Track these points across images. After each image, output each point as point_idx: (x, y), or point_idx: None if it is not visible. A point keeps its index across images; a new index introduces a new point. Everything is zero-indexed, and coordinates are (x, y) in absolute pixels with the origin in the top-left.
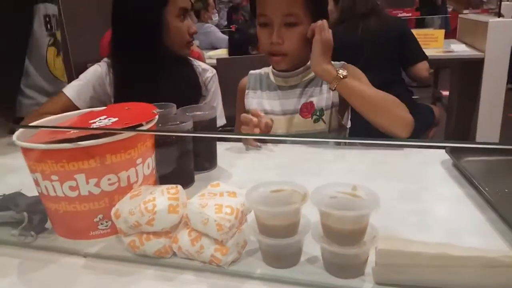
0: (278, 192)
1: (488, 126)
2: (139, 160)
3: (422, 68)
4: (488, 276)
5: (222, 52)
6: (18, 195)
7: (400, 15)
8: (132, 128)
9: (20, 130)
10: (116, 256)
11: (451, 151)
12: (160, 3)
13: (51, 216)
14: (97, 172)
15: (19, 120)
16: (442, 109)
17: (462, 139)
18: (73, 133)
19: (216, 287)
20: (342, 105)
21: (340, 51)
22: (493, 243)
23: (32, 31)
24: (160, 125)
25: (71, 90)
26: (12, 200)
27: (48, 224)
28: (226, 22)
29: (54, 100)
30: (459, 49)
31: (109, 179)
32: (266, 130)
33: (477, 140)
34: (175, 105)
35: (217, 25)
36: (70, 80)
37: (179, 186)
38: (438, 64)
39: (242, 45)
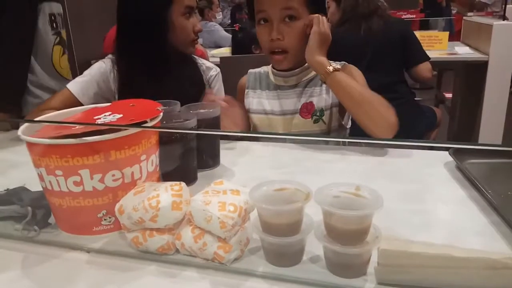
0: (281, 191)
1: (491, 129)
2: (143, 157)
3: (424, 69)
4: (490, 277)
5: (226, 51)
6: (22, 189)
7: (404, 16)
8: (137, 125)
9: (25, 124)
10: (119, 252)
11: (454, 153)
12: (166, 1)
13: (54, 211)
14: (101, 168)
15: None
16: (444, 111)
17: (465, 141)
18: (78, 128)
19: (218, 284)
20: (342, 105)
21: (343, 52)
22: (496, 245)
23: (38, 30)
24: (164, 122)
25: (75, 86)
26: (16, 195)
27: (52, 219)
28: (229, 21)
29: (58, 95)
30: (463, 51)
31: (113, 175)
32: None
33: (480, 142)
34: (179, 103)
35: (220, 24)
36: (74, 77)
37: (183, 183)
38: (442, 66)
39: (245, 44)
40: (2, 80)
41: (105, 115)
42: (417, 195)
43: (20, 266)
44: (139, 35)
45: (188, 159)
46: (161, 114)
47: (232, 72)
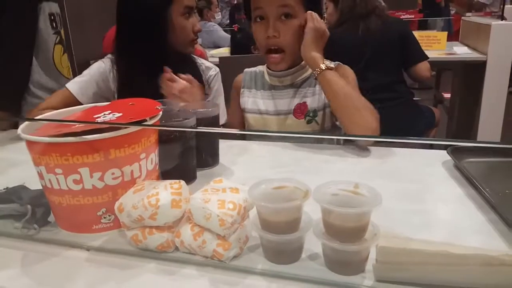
0: (280, 189)
1: (489, 129)
2: (142, 155)
3: (423, 68)
4: (488, 274)
5: (225, 51)
6: (22, 188)
7: (403, 17)
8: (137, 123)
9: (25, 123)
10: (118, 249)
11: (452, 152)
12: (165, 1)
13: (54, 210)
14: (101, 166)
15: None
16: (442, 111)
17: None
18: (77, 127)
19: (217, 282)
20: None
21: (342, 52)
22: (493, 243)
23: (39, 30)
24: (163, 121)
25: (74, 85)
26: (16, 193)
27: (51, 218)
28: (228, 21)
29: (57, 95)
30: (461, 51)
31: (113, 173)
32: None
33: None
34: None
35: (219, 24)
36: (74, 77)
37: (182, 181)
38: (440, 66)
39: (244, 44)
40: (3, 80)
41: (104, 114)
42: (415, 194)
43: (20, 264)
44: (139, 35)
45: (187, 158)
46: (161, 113)
47: (231, 72)
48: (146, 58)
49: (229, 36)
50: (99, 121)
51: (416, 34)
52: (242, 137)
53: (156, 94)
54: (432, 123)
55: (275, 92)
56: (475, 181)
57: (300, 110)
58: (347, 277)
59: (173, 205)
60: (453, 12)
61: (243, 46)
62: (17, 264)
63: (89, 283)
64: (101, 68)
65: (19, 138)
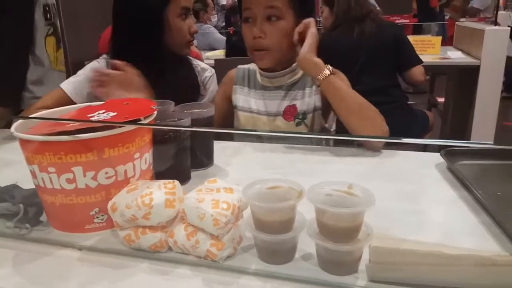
0: (274, 189)
1: (482, 133)
2: (136, 155)
3: (417, 72)
4: (481, 274)
5: (220, 53)
6: (14, 187)
7: (398, 21)
8: (132, 122)
9: (19, 122)
10: (111, 249)
11: (446, 155)
12: (162, 2)
13: (47, 209)
14: (94, 165)
15: (19, 113)
16: (436, 114)
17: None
18: (71, 126)
19: (211, 282)
20: (326, 108)
21: (336, 56)
22: (486, 244)
23: (35, 24)
24: (158, 121)
25: (68, 85)
26: (8, 192)
27: (44, 217)
28: (223, 24)
29: (51, 95)
30: (455, 56)
31: (106, 173)
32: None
33: (472, 147)
34: (173, 102)
35: (215, 27)
36: (68, 75)
37: (176, 181)
38: (435, 71)
39: (239, 47)
40: (3, 79)
41: (98, 113)
42: (409, 195)
43: (12, 264)
44: (135, 36)
45: (181, 158)
46: (155, 112)
47: (226, 74)
48: (142, 59)
49: (224, 38)
50: (93, 120)
51: (411, 38)
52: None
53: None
54: (426, 127)
55: (265, 92)
56: (468, 183)
57: (290, 112)
58: (340, 277)
59: (167, 204)
60: (448, 17)
61: (238, 49)
62: (8, 263)
63: (81, 283)
64: (95, 68)
65: (12, 137)
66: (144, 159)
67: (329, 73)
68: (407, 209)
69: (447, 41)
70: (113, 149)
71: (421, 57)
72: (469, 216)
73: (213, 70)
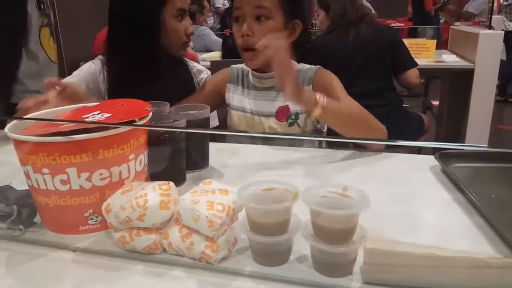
0: (269, 191)
1: (477, 136)
2: (131, 156)
3: (412, 75)
4: (475, 276)
5: (216, 55)
6: (8, 188)
7: (393, 24)
8: (126, 123)
9: (13, 122)
10: (105, 251)
11: (440, 157)
12: (158, 3)
13: (40, 210)
14: (89, 167)
15: (12, 107)
16: (431, 117)
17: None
18: (65, 126)
19: (205, 283)
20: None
21: (332, 59)
22: (480, 247)
23: (27, 15)
24: (153, 122)
25: None
26: (2, 193)
27: (37, 218)
28: (219, 25)
29: (46, 96)
30: (450, 59)
31: (100, 174)
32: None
33: (466, 149)
34: (168, 104)
35: (210, 29)
36: (61, 70)
37: (171, 183)
38: (429, 74)
39: (235, 49)
40: None
41: (93, 114)
42: (403, 197)
43: (5, 265)
44: (131, 37)
45: (177, 159)
46: (150, 113)
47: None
48: (138, 60)
49: (220, 40)
50: (87, 121)
51: (406, 41)
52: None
53: (147, 96)
54: (421, 130)
55: (257, 93)
56: (462, 185)
57: (282, 113)
58: (334, 279)
59: (162, 206)
60: (442, 21)
61: (234, 51)
62: (2, 265)
63: (75, 285)
64: (91, 69)
65: (6, 138)
66: (139, 161)
67: (321, 99)
68: (402, 211)
69: (442, 45)
70: (107, 150)
71: (416, 60)
72: (463, 218)
73: (209, 72)
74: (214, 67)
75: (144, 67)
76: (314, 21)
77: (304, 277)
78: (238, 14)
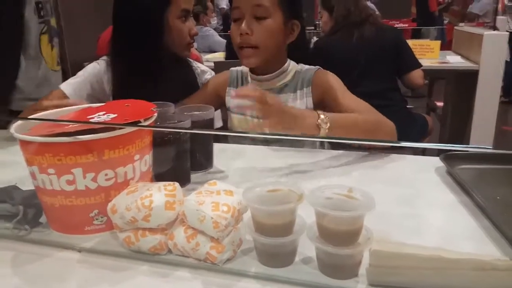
0: (274, 192)
1: (481, 138)
2: (136, 157)
3: (416, 76)
4: (480, 279)
5: (220, 56)
6: (13, 188)
7: (397, 25)
8: (132, 124)
9: (18, 122)
10: (111, 251)
11: (445, 159)
12: (162, 4)
13: (46, 210)
14: (94, 167)
15: (10, 114)
16: (435, 119)
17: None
18: (71, 127)
19: (210, 284)
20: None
21: (336, 60)
22: (486, 249)
23: (25, 22)
24: (158, 123)
25: (68, 86)
26: (8, 193)
27: (43, 219)
28: (222, 26)
29: (51, 96)
30: (454, 60)
31: (106, 174)
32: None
33: (471, 151)
34: (173, 105)
35: (214, 29)
36: (65, 75)
37: (176, 183)
38: (433, 75)
39: None
40: None
41: (99, 115)
42: (408, 199)
43: (10, 265)
44: (135, 38)
45: (181, 160)
46: (156, 114)
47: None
48: (142, 61)
49: (224, 41)
50: (93, 121)
51: (410, 42)
52: (236, 140)
53: (151, 96)
54: (425, 131)
55: None
56: (467, 187)
57: None
58: (340, 281)
59: (167, 207)
60: (446, 22)
61: None
62: (7, 264)
63: (80, 285)
64: (95, 69)
65: (12, 138)
66: (144, 161)
67: (323, 117)
68: (407, 213)
69: (446, 46)
70: (113, 151)
71: (420, 61)
72: (469, 220)
73: (213, 73)
74: (218, 68)
75: (148, 67)
76: (317, 22)
77: (310, 279)
78: (236, 14)
